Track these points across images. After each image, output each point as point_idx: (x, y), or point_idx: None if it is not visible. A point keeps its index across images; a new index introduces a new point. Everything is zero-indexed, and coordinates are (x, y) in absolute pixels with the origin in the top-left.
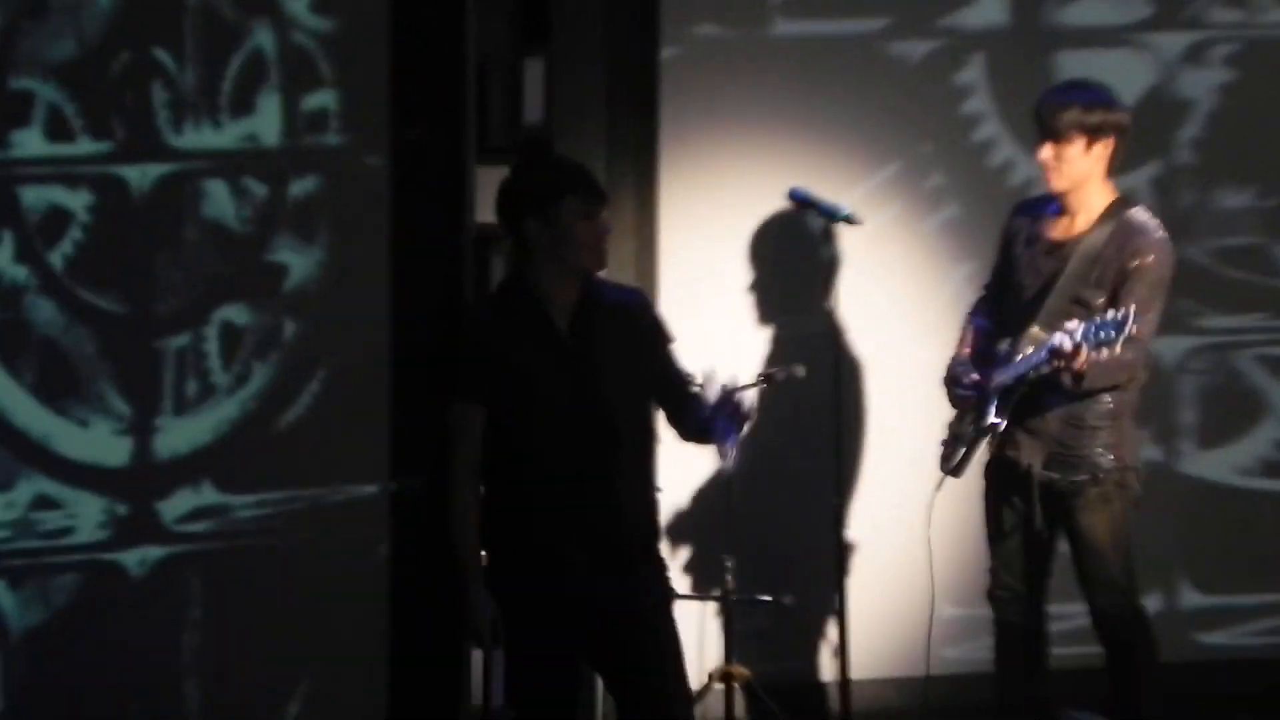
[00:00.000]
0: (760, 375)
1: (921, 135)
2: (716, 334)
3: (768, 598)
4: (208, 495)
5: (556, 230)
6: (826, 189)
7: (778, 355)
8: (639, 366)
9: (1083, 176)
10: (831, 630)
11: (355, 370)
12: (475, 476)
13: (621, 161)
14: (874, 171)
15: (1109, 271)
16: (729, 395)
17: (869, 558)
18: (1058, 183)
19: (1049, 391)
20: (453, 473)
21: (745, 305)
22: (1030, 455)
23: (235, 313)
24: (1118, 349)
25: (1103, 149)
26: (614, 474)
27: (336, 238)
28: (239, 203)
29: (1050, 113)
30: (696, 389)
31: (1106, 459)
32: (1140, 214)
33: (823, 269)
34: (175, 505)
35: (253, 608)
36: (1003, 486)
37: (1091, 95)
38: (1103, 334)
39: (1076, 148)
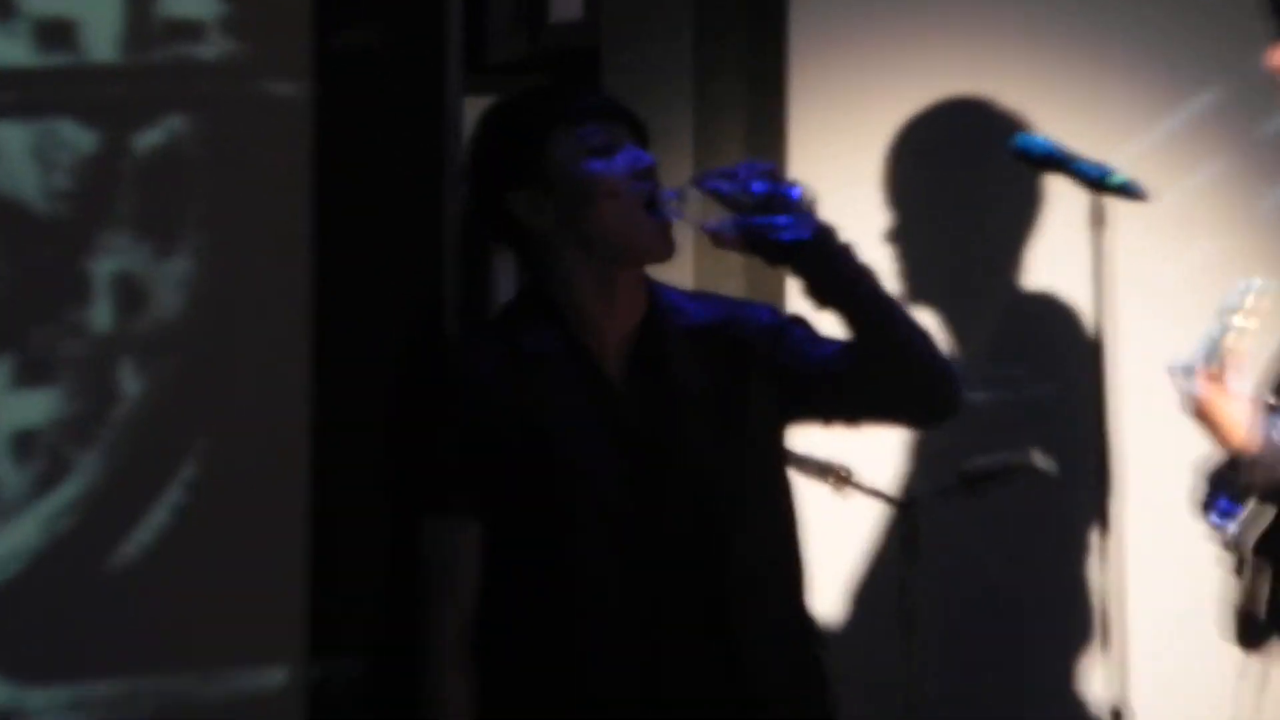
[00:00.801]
0: (971, 472)
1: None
2: None
3: None
4: None
5: (558, 194)
6: (1083, 143)
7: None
8: (753, 424)
9: None
10: None
11: (251, 460)
12: (464, 642)
13: (723, 98)
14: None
15: None
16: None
17: None
18: None
19: None
20: (426, 639)
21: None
22: None
23: (34, 362)
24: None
25: None
26: (719, 614)
27: (218, 226)
28: (44, 166)
29: None
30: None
31: None
32: None
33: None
34: None
35: None
36: None
37: None
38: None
39: None
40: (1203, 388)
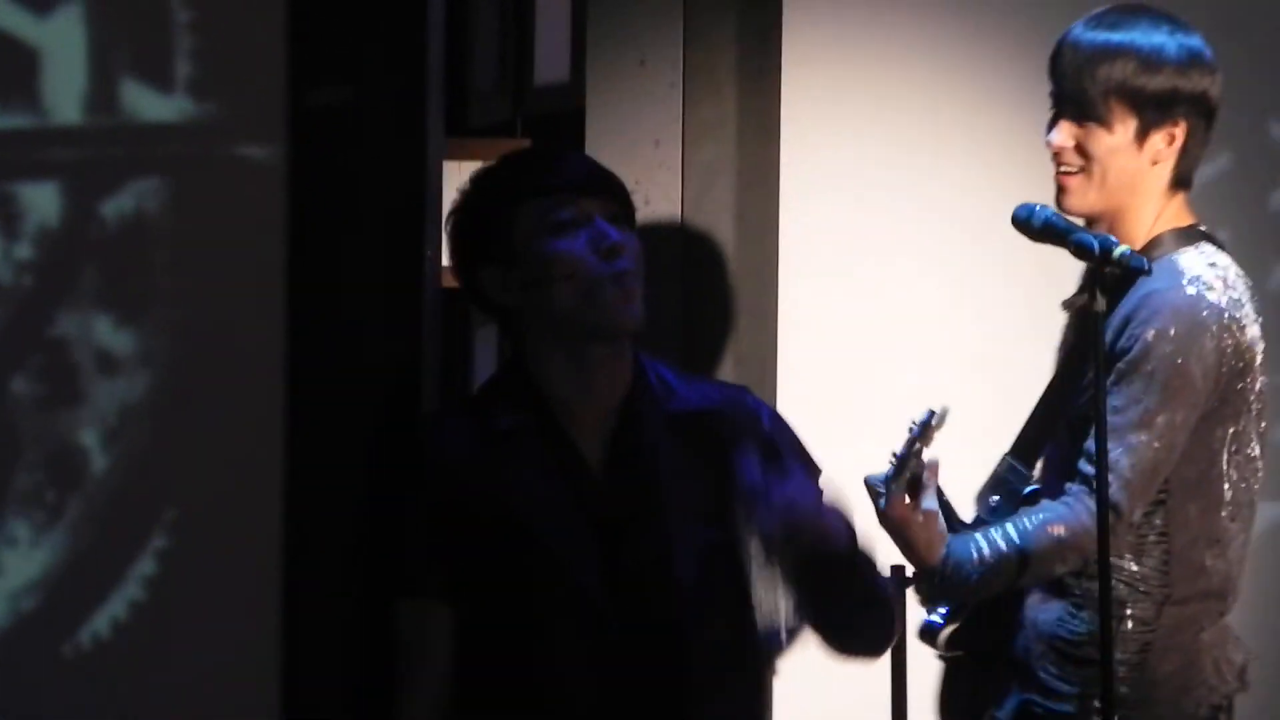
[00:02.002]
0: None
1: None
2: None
3: None
4: None
5: (521, 271)
6: None
7: None
8: (735, 524)
9: (1124, 188)
10: None
11: (221, 534)
12: None
13: (714, 162)
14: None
15: (1103, 354)
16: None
17: None
18: (1072, 197)
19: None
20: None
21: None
22: (990, 695)
23: None
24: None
25: (1166, 142)
26: (685, 711)
27: (187, 294)
28: (6, 227)
29: (1075, 67)
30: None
31: None
32: (1189, 258)
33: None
34: None
35: None
36: None
37: (1154, 42)
38: (899, 451)
39: (1119, 134)
40: (894, 508)
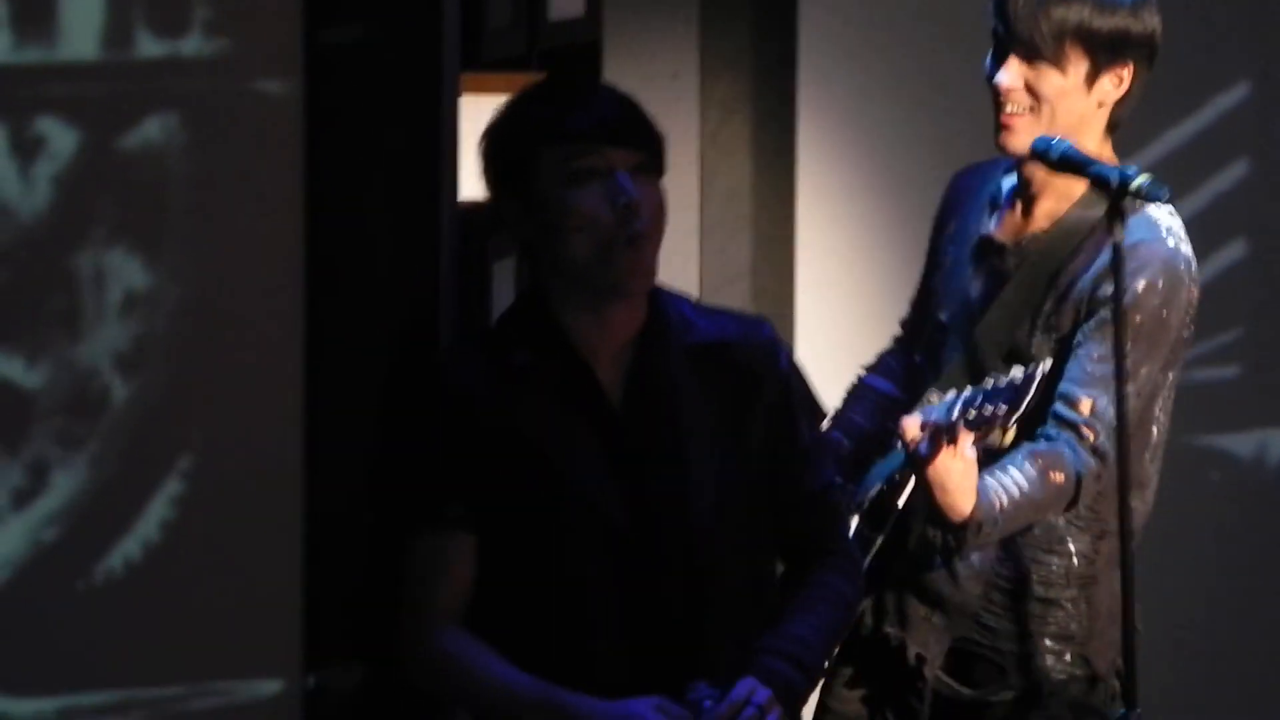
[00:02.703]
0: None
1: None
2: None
3: None
4: None
5: (537, 215)
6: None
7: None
8: (749, 454)
9: (1067, 133)
10: None
11: (241, 466)
12: (460, 638)
13: (729, 95)
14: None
15: (1068, 305)
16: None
17: None
18: (1019, 137)
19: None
20: (414, 646)
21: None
22: (923, 641)
23: (15, 363)
24: (1008, 437)
25: (1114, 84)
26: (703, 640)
27: (205, 226)
28: (25, 163)
29: (1029, 8)
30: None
31: (1061, 662)
32: (1157, 211)
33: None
34: None
35: None
36: (873, 690)
37: None
38: (986, 408)
39: (1071, 76)
40: (943, 453)
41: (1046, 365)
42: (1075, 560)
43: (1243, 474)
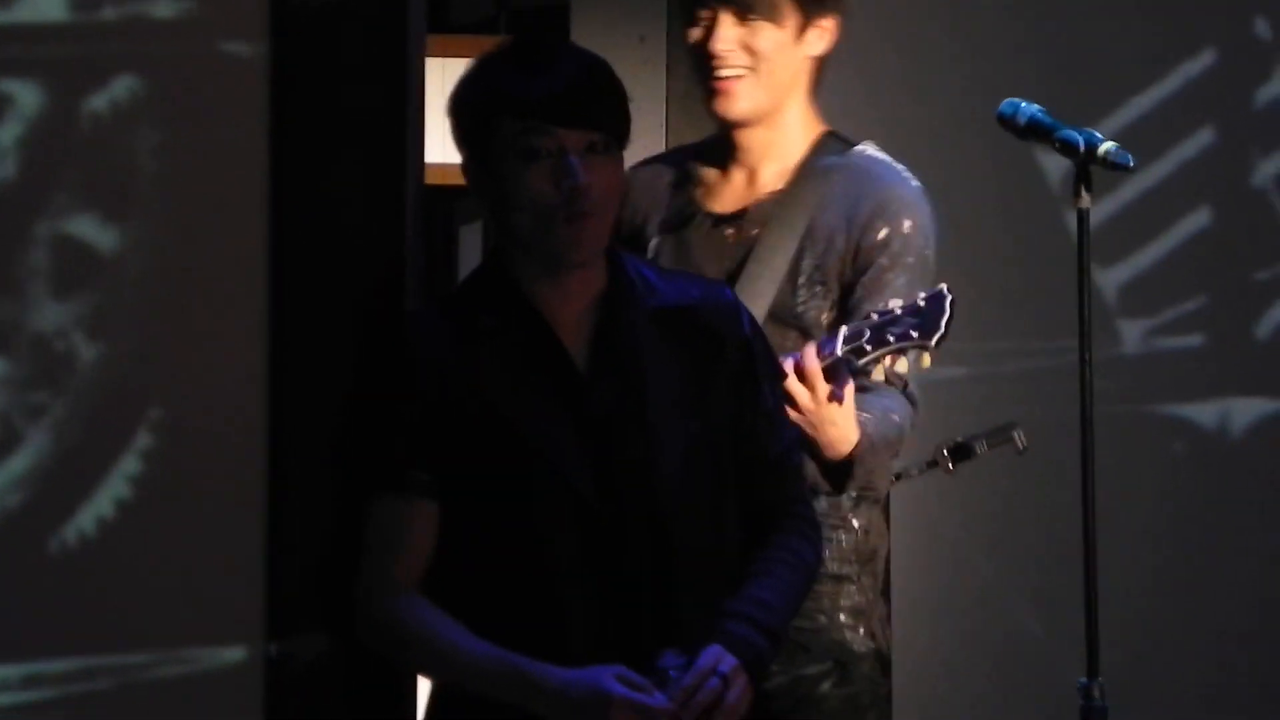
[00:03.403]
0: (942, 451)
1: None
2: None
3: None
4: None
5: (491, 183)
6: (1071, 108)
7: (978, 403)
8: (713, 417)
9: (784, 90)
10: None
11: (205, 432)
12: (419, 605)
13: None
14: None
15: (832, 257)
16: None
17: None
18: (739, 102)
19: None
20: (371, 612)
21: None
22: None
23: None
24: (925, 361)
25: (818, 37)
26: (671, 605)
27: (171, 191)
28: None
29: None
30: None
31: (857, 636)
32: (874, 152)
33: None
34: None
35: None
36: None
37: None
38: (903, 332)
39: (786, 29)
40: (820, 388)
41: (945, 287)
42: (859, 534)
43: (1206, 443)
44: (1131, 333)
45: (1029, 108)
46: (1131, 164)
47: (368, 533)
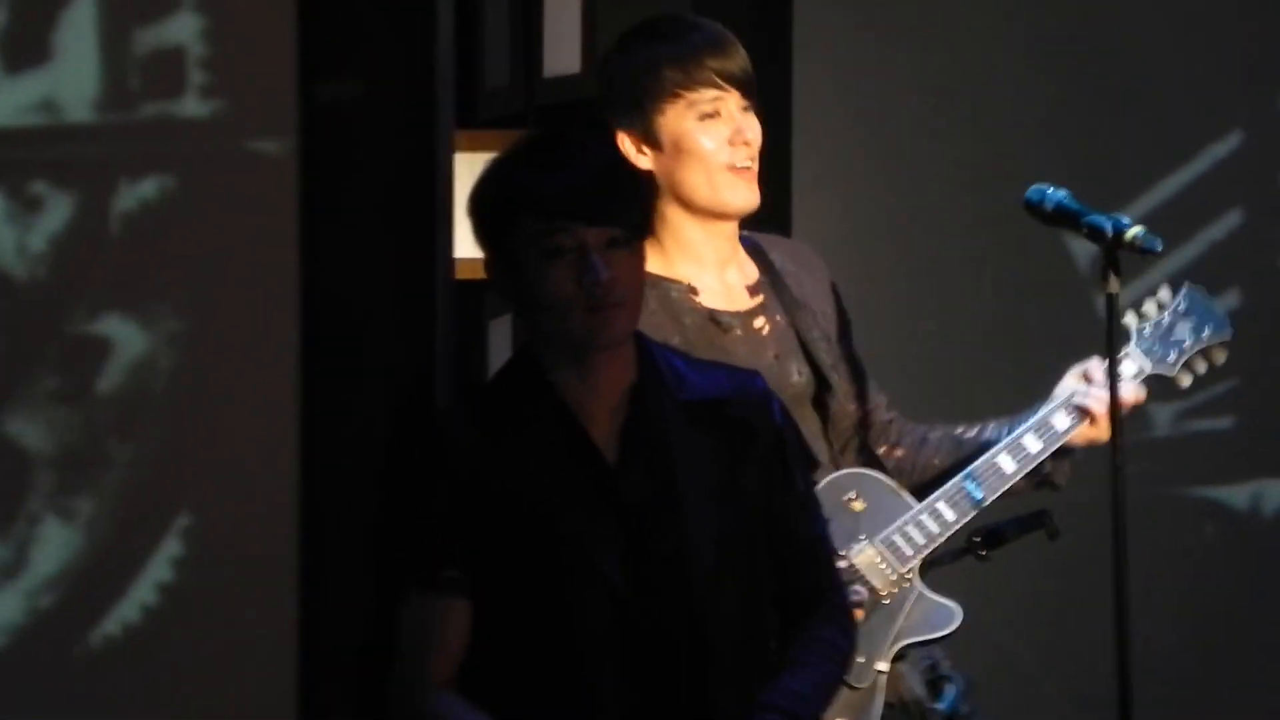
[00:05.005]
0: (973, 538)
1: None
2: None
3: None
4: None
5: (515, 279)
6: (1098, 191)
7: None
8: (745, 505)
9: None
10: None
11: (237, 532)
12: (453, 703)
13: None
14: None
15: (827, 319)
16: None
17: None
18: (758, 191)
19: None
20: (406, 710)
21: (947, 374)
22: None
23: (15, 425)
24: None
25: None
26: (706, 696)
27: (201, 287)
28: (21, 226)
29: (744, 51)
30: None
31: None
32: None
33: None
34: None
35: None
36: None
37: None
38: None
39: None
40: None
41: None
42: None
43: (1238, 525)
44: (1162, 415)
45: (1056, 193)
46: (1160, 248)
47: (401, 633)
